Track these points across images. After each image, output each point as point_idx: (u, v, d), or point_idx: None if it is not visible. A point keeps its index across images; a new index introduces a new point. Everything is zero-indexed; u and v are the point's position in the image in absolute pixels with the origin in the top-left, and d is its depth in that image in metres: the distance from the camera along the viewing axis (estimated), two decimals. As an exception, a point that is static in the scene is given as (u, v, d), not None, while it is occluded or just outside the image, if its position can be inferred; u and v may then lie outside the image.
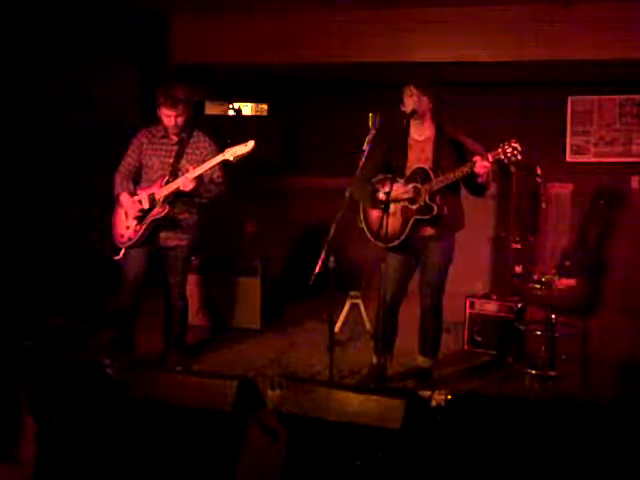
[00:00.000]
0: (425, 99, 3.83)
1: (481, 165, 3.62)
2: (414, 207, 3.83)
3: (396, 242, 3.85)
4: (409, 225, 3.85)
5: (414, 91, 3.82)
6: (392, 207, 3.80)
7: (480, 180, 3.74)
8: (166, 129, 4.12)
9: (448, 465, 2.43)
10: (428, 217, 3.81)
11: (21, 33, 4.96)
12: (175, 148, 4.14)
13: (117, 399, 2.73)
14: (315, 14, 6.07)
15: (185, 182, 3.96)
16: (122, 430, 2.63)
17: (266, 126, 6.78)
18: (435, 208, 3.77)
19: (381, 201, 3.72)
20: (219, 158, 3.93)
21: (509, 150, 3.57)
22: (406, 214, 3.86)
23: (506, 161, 3.60)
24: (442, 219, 3.84)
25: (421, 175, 3.82)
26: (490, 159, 3.61)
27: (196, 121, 4.32)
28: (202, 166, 3.97)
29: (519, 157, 3.57)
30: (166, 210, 4.04)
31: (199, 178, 4.00)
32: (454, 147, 3.87)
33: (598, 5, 5.54)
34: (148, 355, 4.40)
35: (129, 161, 4.21)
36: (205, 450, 2.53)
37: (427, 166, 3.83)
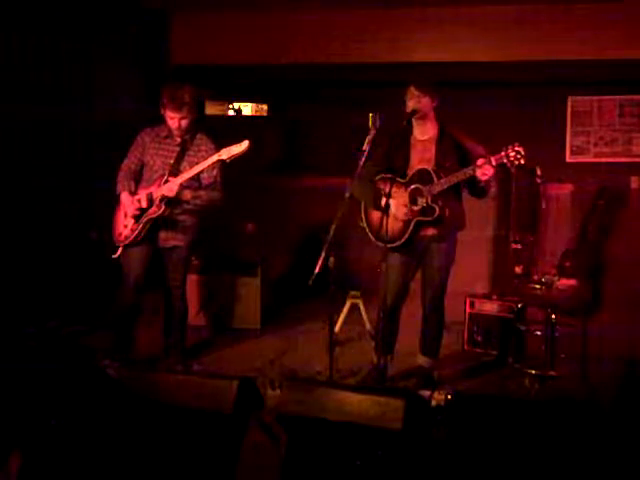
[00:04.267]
0: (425, 100, 3.83)
1: (485, 168, 3.61)
2: (416, 208, 3.83)
3: (398, 243, 3.85)
4: (411, 226, 3.85)
5: (415, 92, 3.81)
6: (394, 208, 3.80)
7: (482, 184, 3.74)
8: (170, 129, 4.11)
9: (448, 465, 2.43)
10: (430, 219, 3.81)
11: (20, 33, 4.95)
12: (177, 149, 4.13)
13: (117, 399, 2.73)
14: (315, 14, 6.07)
15: (170, 187, 3.95)
16: (122, 430, 2.63)
17: (266, 126, 6.78)
18: (437, 210, 3.77)
19: (381, 201, 3.72)
20: (214, 158, 3.92)
21: (512, 154, 3.57)
22: (408, 215, 3.86)
23: (509, 165, 3.60)
24: (444, 220, 3.84)
25: (423, 176, 3.82)
26: (493, 163, 3.61)
27: (200, 123, 4.29)
28: (194, 168, 3.97)
29: (522, 161, 3.56)
30: (162, 209, 4.03)
31: (196, 181, 4.01)
32: (457, 148, 3.86)
33: (598, 5, 5.54)
34: (148, 355, 4.41)
35: (132, 159, 4.19)
36: (205, 450, 2.53)
37: (429, 167, 3.83)
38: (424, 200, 3.79)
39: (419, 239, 3.91)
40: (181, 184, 3.96)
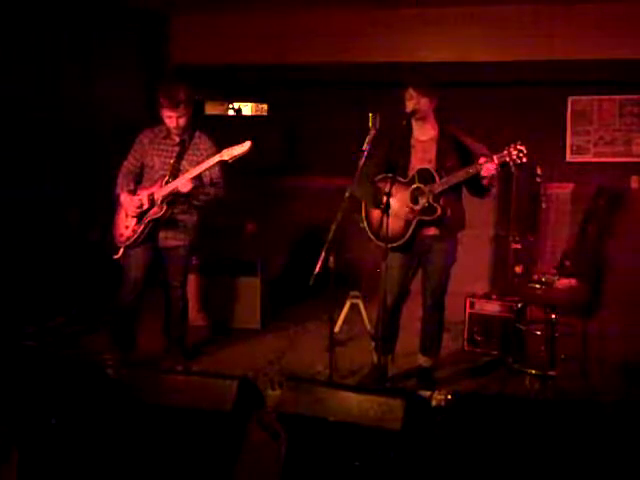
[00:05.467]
0: (425, 100, 3.83)
1: (487, 167, 3.63)
2: (417, 208, 3.84)
3: (399, 242, 3.85)
4: (412, 226, 3.85)
5: (413, 93, 3.82)
6: (395, 207, 3.81)
7: (485, 182, 3.75)
8: (168, 129, 4.12)
9: (448, 465, 2.43)
10: (431, 218, 3.81)
11: (20, 33, 4.96)
12: (176, 149, 4.14)
13: (117, 399, 2.73)
14: (315, 14, 6.07)
15: (184, 183, 3.96)
16: (122, 430, 2.63)
17: (266, 126, 6.78)
18: (438, 209, 3.78)
19: (381, 201, 3.72)
20: (216, 158, 3.92)
21: (514, 153, 3.59)
22: (409, 215, 3.86)
23: (511, 163, 3.62)
24: (445, 220, 3.85)
25: (425, 176, 3.83)
26: (496, 161, 3.62)
27: (198, 122, 4.31)
28: (199, 167, 3.97)
29: (524, 160, 3.59)
30: (164, 210, 4.04)
31: (198, 179, 4.01)
32: (457, 148, 3.87)
33: (598, 5, 5.55)
34: (148, 355, 4.41)
35: (131, 161, 4.21)
36: (205, 450, 2.53)
37: (430, 167, 3.83)
38: (425, 200, 3.80)
39: (420, 239, 3.91)
40: (193, 178, 3.95)
